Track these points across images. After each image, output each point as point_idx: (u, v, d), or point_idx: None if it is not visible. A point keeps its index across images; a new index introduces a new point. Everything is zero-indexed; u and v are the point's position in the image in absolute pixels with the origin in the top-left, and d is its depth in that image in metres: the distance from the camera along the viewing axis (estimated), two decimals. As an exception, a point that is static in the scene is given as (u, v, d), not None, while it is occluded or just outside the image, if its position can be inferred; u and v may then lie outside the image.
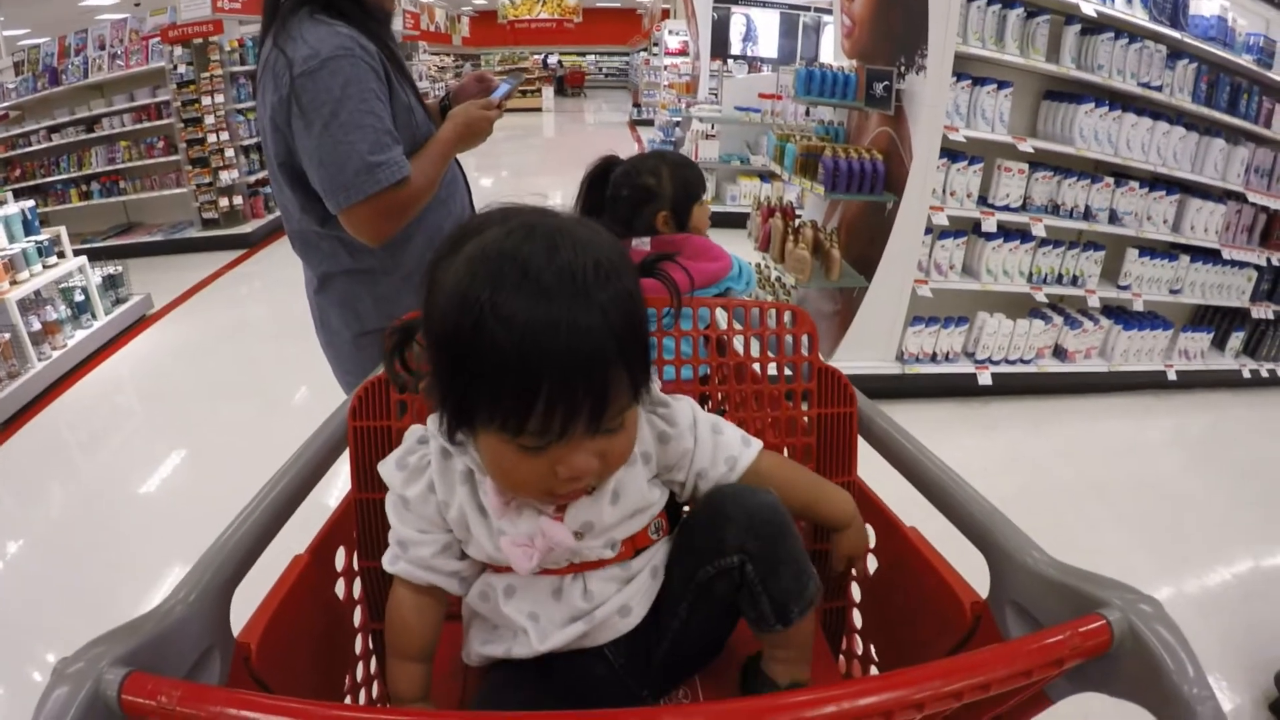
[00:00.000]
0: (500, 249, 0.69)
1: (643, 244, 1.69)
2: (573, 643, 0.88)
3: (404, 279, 1.73)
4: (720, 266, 1.67)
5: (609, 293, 0.69)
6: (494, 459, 0.76)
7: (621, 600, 0.88)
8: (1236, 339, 4.60)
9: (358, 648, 1.08)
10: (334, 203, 1.50)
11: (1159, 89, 3.85)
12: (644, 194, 1.71)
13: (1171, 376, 4.37)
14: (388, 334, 0.82)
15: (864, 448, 1.17)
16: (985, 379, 4.07)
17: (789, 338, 1.19)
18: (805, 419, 1.18)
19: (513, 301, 0.66)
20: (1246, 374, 4.55)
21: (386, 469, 0.89)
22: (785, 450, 1.20)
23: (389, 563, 0.90)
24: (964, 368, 4.10)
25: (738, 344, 1.24)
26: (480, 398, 0.70)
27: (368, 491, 1.07)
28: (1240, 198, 4.19)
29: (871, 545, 1.13)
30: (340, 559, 1.04)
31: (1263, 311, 4.50)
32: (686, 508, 1.02)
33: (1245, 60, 4.00)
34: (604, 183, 1.74)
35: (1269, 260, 4.36)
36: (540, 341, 0.65)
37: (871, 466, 1.18)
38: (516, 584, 0.88)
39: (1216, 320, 4.65)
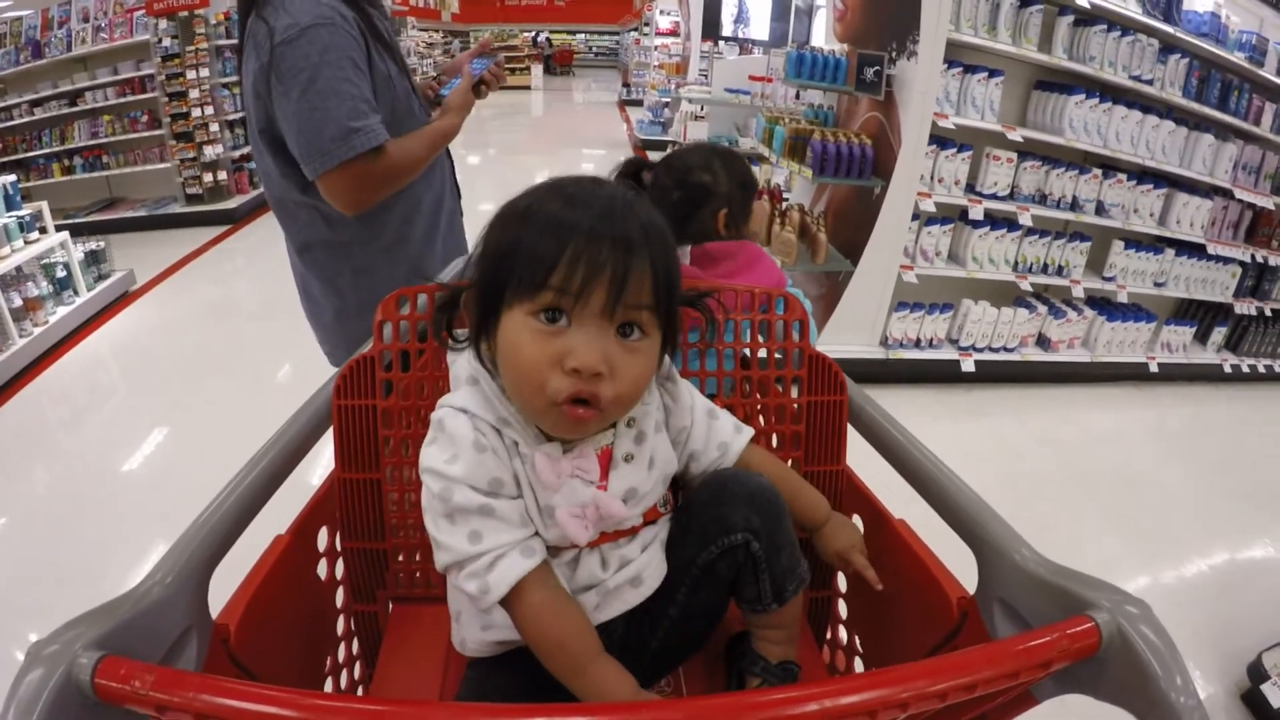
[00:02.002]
0: (557, 181, 0.81)
1: (682, 251, 1.50)
2: (586, 609, 0.87)
3: (383, 250, 1.74)
4: (765, 280, 1.44)
5: (647, 216, 0.79)
6: (510, 342, 0.78)
7: (635, 570, 0.89)
8: (1219, 333, 4.64)
9: (339, 629, 1.08)
10: (310, 169, 1.51)
11: (1150, 82, 3.85)
12: (700, 193, 1.52)
13: (1153, 369, 4.41)
14: (437, 296, 0.88)
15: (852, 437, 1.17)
16: (969, 366, 4.09)
17: (779, 323, 1.18)
18: (795, 406, 1.18)
19: (558, 200, 0.77)
20: (1228, 369, 4.59)
21: (435, 457, 0.82)
22: (775, 437, 1.20)
23: (497, 577, 0.79)
24: (948, 354, 4.12)
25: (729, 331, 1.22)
26: (515, 263, 0.76)
27: (351, 471, 1.06)
28: (1227, 194, 4.21)
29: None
30: (323, 539, 1.04)
31: (1245, 307, 4.54)
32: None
33: (1237, 57, 4.01)
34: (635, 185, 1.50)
35: (1253, 256, 4.38)
36: (578, 208, 0.76)
37: (854, 453, 1.18)
38: None
39: (1200, 314, 4.69)
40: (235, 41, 7.06)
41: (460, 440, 0.82)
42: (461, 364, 0.88)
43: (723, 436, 0.98)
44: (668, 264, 0.79)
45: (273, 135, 1.57)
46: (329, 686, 1.03)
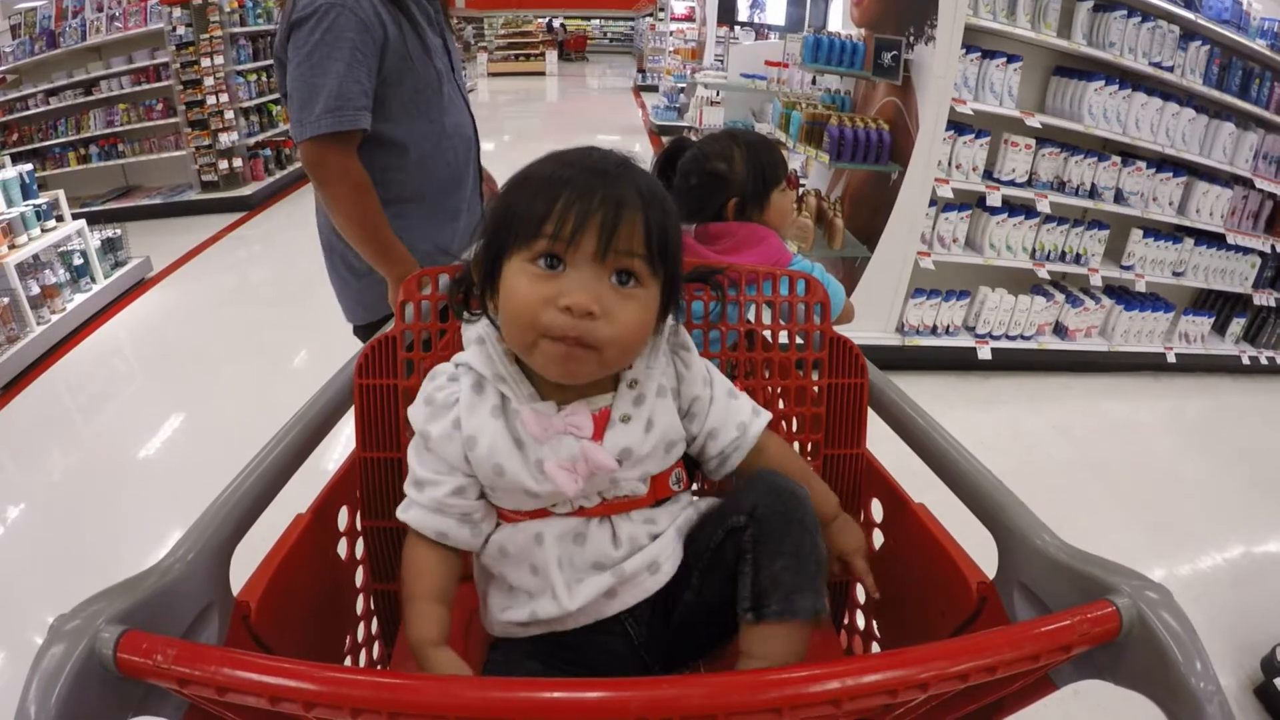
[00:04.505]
0: (556, 151, 0.86)
1: (687, 230, 1.53)
2: (601, 599, 0.87)
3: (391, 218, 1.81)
4: (763, 260, 1.42)
5: (643, 179, 0.83)
6: (509, 286, 0.81)
7: (651, 555, 0.89)
8: (1237, 325, 4.59)
9: (359, 608, 1.08)
10: (293, 134, 1.63)
11: (1170, 69, 3.80)
12: (714, 181, 1.53)
13: (1171, 359, 4.37)
14: (452, 285, 0.94)
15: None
16: (985, 354, 4.07)
17: (801, 306, 1.17)
18: (815, 389, 1.17)
19: (553, 164, 0.83)
20: (1246, 360, 4.54)
21: (414, 408, 0.91)
22: (795, 420, 1.19)
23: (402, 510, 0.90)
24: (964, 341, 4.10)
25: (748, 311, 1.21)
26: (514, 219, 0.81)
27: (372, 450, 1.07)
28: (1248, 183, 4.16)
29: (878, 521, 1.12)
30: (343, 518, 1.04)
31: (1265, 298, 4.48)
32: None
33: (1259, 45, 3.95)
34: (673, 168, 1.58)
35: (1273, 247, 4.34)
36: (571, 168, 0.81)
37: (870, 437, 1.17)
38: (544, 530, 0.87)
39: (1218, 305, 4.64)
40: (250, 29, 7.15)
41: (433, 435, 0.88)
42: (473, 328, 0.91)
43: (741, 417, 0.98)
44: (663, 221, 0.83)
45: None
46: (348, 665, 1.04)
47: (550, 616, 0.86)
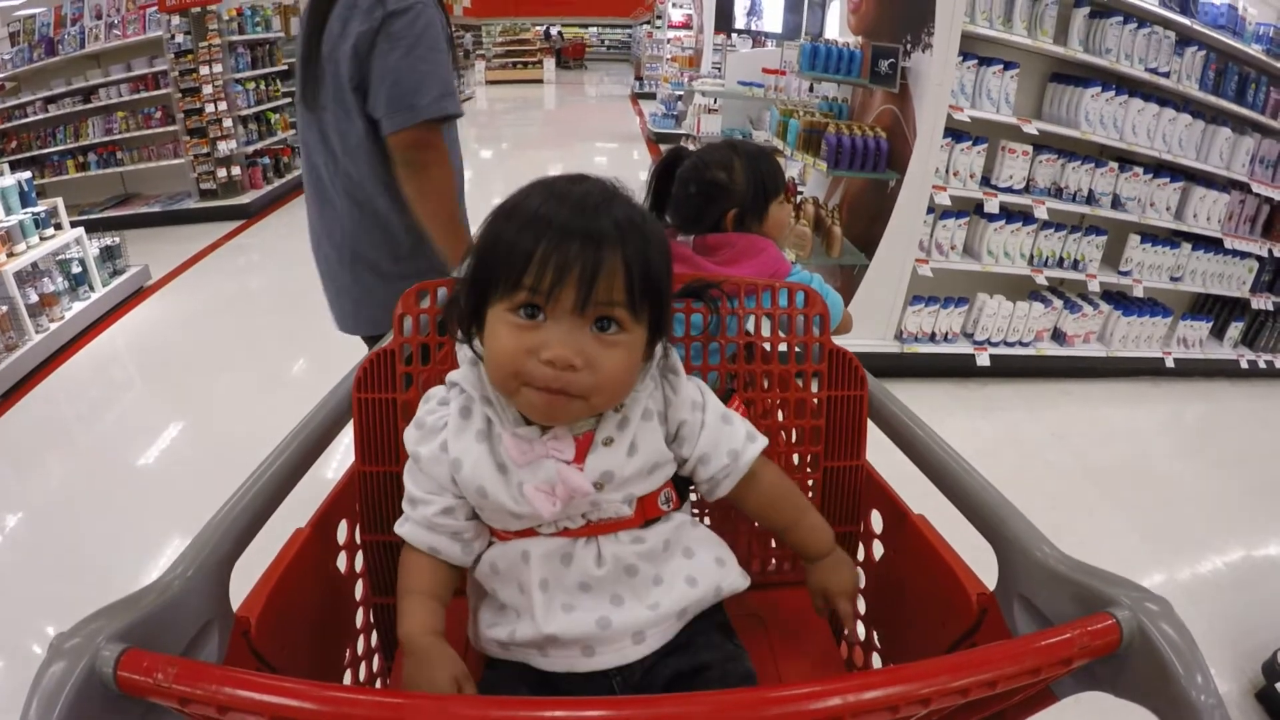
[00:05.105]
0: (541, 180, 0.85)
1: (685, 241, 1.53)
2: (576, 654, 0.86)
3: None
4: (762, 270, 1.44)
5: (623, 212, 0.81)
6: (492, 336, 0.82)
7: (639, 621, 0.87)
8: (1235, 329, 4.58)
9: (359, 621, 1.08)
10: (394, 121, 1.68)
11: (1166, 75, 3.81)
12: (713, 190, 1.52)
13: (1169, 364, 4.37)
14: (449, 303, 0.94)
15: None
16: (984, 360, 4.07)
17: (800, 318, 1.17)
18: (815, 401, 1.17)
19: (538, 198, 0.81)
20: (1244, 364, 4.54)
21: (408, 430, 0.93)
22: (794, 432, 1.19)
23: (398, 525, 0.92)
24: (962, 348, 4.09)
25: (748, 323, 1.21)
26: (495, 262, 0.80)
27: (371, 464, 1.06)
28: (1244, 188, 4.16)
29: (878, 532, 1.12)
30: (342, 532, 1.04)
31: (1262, 303, 4.48)
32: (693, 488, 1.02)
33: (1254, 50, 3.96)
34: (671, 176, 1.57)
35: (1270, 251, 4.33)
36: (552, 207, 0.79)
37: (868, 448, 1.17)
38: (530, 549, 0.87)
39: (1216, 309, 4.64)
40: (248, 38, 7.16)
41: (423, 456, 0.90)
42: (466, 348, 0.92)
43: (734, 444, 0.96)
44: (645, 260, 0.81)
45: (365, 91, 1.72)
46: (348, 678, 1.04)
47: (527, 638, 0.86)
